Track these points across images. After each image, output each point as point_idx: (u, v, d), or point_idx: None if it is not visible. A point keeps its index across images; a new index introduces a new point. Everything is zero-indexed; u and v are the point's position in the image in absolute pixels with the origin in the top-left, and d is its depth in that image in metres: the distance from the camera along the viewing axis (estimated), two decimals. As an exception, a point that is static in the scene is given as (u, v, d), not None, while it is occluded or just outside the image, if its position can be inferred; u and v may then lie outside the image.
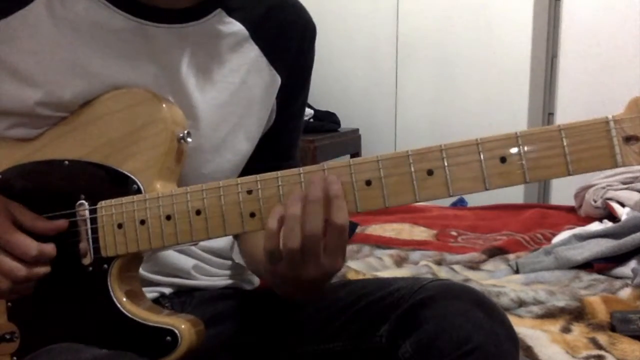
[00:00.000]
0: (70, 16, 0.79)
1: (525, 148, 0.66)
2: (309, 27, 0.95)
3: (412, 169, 0.68)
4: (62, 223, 0.80)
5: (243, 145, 0.91)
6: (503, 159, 0.66)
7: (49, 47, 0.79)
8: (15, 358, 0.82)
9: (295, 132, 1.01)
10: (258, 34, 0.89)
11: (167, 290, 0.93)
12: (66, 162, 0.81)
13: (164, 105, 0.79)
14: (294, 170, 0.71)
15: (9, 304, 0.82)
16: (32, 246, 0.78)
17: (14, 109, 0.81)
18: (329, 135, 3.14)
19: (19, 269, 0.77)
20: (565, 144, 0.65)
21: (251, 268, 0.98)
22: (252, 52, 0.89)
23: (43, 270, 0.79)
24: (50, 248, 0.79)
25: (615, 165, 0.64)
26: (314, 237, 0.68)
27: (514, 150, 0.66)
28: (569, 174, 0.65)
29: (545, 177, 0.66)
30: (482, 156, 0.66)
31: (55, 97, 0.80)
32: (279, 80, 0.92)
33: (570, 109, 2.88)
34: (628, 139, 0.63)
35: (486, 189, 0.67)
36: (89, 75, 0.80)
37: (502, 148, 0.66)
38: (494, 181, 0.66)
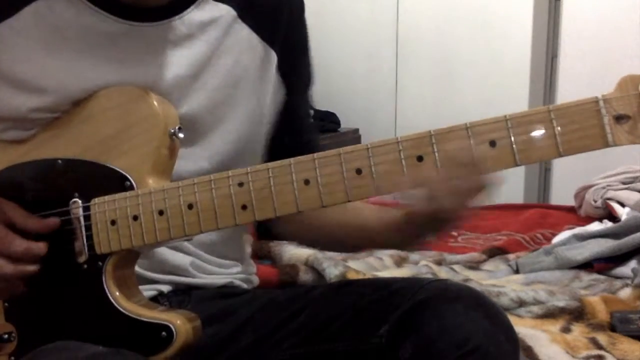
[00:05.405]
0: (60, 23, 0.80)
1: (515, 131, 0.65)
2: (295, 0, 0.96)
3: (402, 156, 0.68)
4: (54, 221, 0.80)
5: (245, 126, 0.90)
6: (493, 143, 0.66)
7: (40, 54, 0.79)
8: (13, 358, 0.82)
9: (305, 105, 1.01)
10: (246, 13, 0.89)
11: (165, 289, 0.92)
12: (59, 161, 0.81)
13: (155, 102, 0.79)
14: (285, 162, 0.72)
15: (6, 304, 0.82)
16: (18, 243, 0.78)
17: (7, 115, 0.81)
18: (329, 135, 3.13)
19: (5, 266, 0.77)
20: (555, 125, 0.64)
21: (357, 242, 0.97)
22: (242, 32, 0.89)
23: (31, 268, 0.79)
24: (39, 246, 0.79)
25: (607, 145, 0.63)
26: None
27: (504, 133, 0.65)
28: (560, 155, 0.64)
29: (536, 160, 0.65)
30: (471, 141, 0.66)
31: (48, 103, 0.80)
32: (274, 55, 0.92)
33: (571, 108, 2.87)
34: (619, 118, 0.63)
35: None
36: (82, 80, 0.80)
37: (491, 132, 0.66)
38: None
